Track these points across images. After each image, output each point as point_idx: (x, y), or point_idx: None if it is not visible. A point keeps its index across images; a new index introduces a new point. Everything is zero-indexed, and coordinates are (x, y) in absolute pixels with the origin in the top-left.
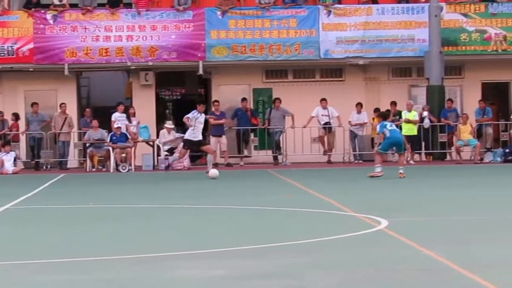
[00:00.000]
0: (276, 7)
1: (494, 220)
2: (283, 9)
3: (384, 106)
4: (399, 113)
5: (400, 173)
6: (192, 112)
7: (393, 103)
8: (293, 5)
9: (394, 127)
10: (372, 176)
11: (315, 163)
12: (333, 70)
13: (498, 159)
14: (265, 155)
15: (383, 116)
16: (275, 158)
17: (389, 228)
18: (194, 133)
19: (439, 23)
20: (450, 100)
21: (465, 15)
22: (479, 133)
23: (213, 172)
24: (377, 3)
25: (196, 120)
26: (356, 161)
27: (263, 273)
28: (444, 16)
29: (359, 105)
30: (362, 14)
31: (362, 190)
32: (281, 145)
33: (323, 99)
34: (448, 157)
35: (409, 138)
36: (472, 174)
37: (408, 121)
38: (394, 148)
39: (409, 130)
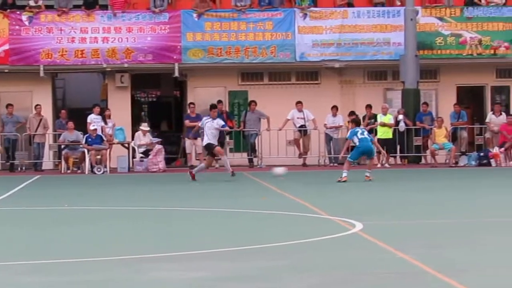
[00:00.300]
0: (252, 10)
1: (469, 224)
2: (259, 11)
3: (360, 109)
4: (374, 117)
5: (366, 175)
6: (205, 118)
7: (369, 106)
8: (269, 7)
9: (365, 135)
10: (339, 181)
11: (290, 166)
12: (308, 73)
13: (473, 162)
14: (241, 158)
15: (355, 122)
16: (251, 160)
17: (364, 231)
18: (209, 139)
19: (414, 26)
20: (425, 103)
21: (440, 19)
22: (454, 137)
23: (279, 169)
24: (353, 6)
25: (206, 126)
26: (331, 164)
27: (240, 276)
28: (420, 20)
29: (335, 108)
30: (338, 17)
31: (337, 193)
32: (256, 148)
33: (299, 102)
34: (423, 161)
35: (384, 141)
36: (447, 178)
37: (383, 125)
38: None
39: (384, 133)
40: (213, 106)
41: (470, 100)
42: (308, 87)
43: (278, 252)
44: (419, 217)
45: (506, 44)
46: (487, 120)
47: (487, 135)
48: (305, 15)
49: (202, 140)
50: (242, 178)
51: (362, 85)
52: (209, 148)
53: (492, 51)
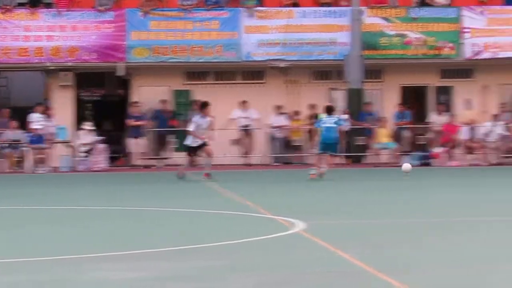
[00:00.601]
0: (198, 9)
1: (411, 224)
2: (205, 11)
3: (305, 109)
4: (317, 116)
5: (312, 174)
6: (195, 118)
7: (313, 106)
8: (215, 7)
9: (330, 124)
10: (311, 178)
11: (234, 165)
12: (254, 73)
13: (415, 162)
14: (184, 157)
15: (327, 109)
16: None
17: (306, 230)
18: (194, 139)
19: (360, 27)
20: (369, 103)
21: (386, 19)
22: (397, 137)
23: (406, 166)
24: (299, 6)
25: (197, 125)
26: (275, 164)
27: (179, 276)
28: (365, 20)
29: (279, 107)
30: (283, 17)
31: (280, 193)
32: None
33: (244, 101)
34: (366, 160)
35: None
36: (389, 178)
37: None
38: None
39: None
40: (204, 104)
41: (414, 100)
42: (253, 87)
43: (219, 251)
44: (361, 217)
45: (450, 44)
46: (430, 120)
47: (430, 135)
48: (251, 15)
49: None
50: (186, 178)
51: (307, 84)
52: (195, 148)
53: (436, 52)
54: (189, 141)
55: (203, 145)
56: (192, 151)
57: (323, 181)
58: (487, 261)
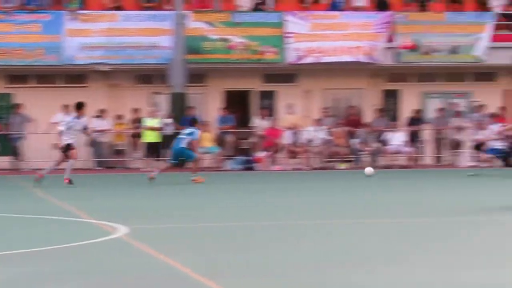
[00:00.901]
0: (20, 12)
1: (236, 227)
2: (26, 13)
3: (128, 113)
4: (140, 120)
5: (193, 179)
6: (71, 117)
7: (137, 110)
8: (37, 9)
9: (182, 135)
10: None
11: (55, 170)
12: (76, 76)
13: (239, 166)
14: (5, 161)
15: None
16: (15, 164)
17: (129, 235)
18: (70, 139)
19: (183, 31)
20: (193, 107)
21: (209, 23)
22: (220, 141)
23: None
24: (122, 9)
25: (70, 126)
26: (97, 168)
27: None
28: (189, 24)
29: (102, 111)
30: (106, 20)
31: (102, 197)
32: (19, 151)
33: (66, 105)
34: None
35: (152, 145)
36: (212, 182)
37: (150, 128)
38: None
39: (152, 137)
40: (80, 105)
41: (237, 105)
42: (76, 90)
43: (36, 258)
44: (188, 221)
45: (273, 49)
46: (253, 125)
47: (253, 139)
48: (73, 18)
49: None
50: (5, 181)
51: (131, 88)
52: (67, 148)
53: (259, 56)
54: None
55: (68, 147)
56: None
57: (146, 186)
58: (313, 264)
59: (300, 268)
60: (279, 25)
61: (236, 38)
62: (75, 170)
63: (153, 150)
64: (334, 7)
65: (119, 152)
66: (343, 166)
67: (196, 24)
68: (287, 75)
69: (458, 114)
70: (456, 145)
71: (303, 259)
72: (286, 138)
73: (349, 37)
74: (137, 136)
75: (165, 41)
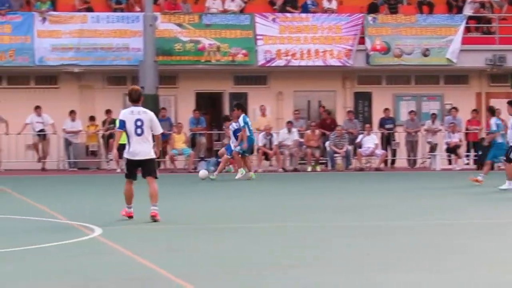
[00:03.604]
0: None
1: (207, 228)
2: None
3: (99, 114)
4: (114, 121)
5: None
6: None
7: (108, 111)
8: (8, 11)
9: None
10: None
11: (29, 170)
12: (47, 77)
13: (212, 168)
14: None
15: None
16: None
17: (103, 236)
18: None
19: (153, 32)
20: (164, 109)
21: (179, 25)
22: (192, 142)
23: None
24: (92, 11)
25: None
26: (71, 169)
27: None
28: (159, 26)
29: (73, 112)
30: (77, 22)
31: (77, 198)
32: None
33: (38, 107)
34: (162, 166)
35: (124, 146)
36: (184, 183)
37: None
38: None
39: (124, 138)
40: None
41: (209, 106)
42: (47, 91)
43: (8, 257)
44: (158, 223)
45: (243, 51)
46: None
47: (226, 140)
48: (44, 19)
49: None
50: None
51: (102, 90)
52: None
53: (230, 58)
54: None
55: None
56: None
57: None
58: (265, 265)
59: None
60: (249, 27)
61: (206, 40)
62: (49, 171)
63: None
64: (304, 9)
65: (92, 153)
66: (318, 168)
67: (166, 25)
68: (258, 77)
69: (432, 116)
70: (430, 148)
71: None
72: (259, 140)
73: (319, 40)
74: (109, 137)
75: (135, 42)
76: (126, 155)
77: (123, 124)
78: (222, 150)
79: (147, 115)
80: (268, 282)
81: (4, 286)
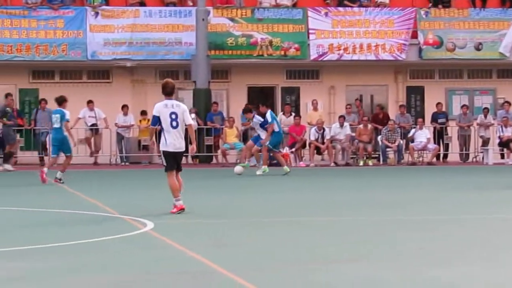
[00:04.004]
0: (43, 7)
1: (258, 222)
2: (50, 9)
3: (151, 109)
4: None
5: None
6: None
7: None
8: (60, 5)
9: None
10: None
11: (81, 165)
12: (100, 72)
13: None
14: (31, 156)
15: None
16: (41, 159)
17: (155, 230)
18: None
19: (206, 27)
20: (216, 103)
21: (231, 19)
22: (245, 137)
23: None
24: (145, 5)
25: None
26: (123, 163)
27: (21, 276)
28: (211, 20)
29: (126, 107)
30: (129, 16)
31: (129, 192)
32: (47, 146)
33: (90, 101)
34: (214, 160)
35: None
36: (237, 177)
37: None
38: None
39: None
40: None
41: (261, 101)
42: (99, 86)
43: (65, 252)
44: (210, 217)
45: (296, 45)
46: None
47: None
48: (96, 14)
49: None
50: (32, 177)
51: (154, 84)
52: None
53: (282, 53)
54: None
55: None
56: None
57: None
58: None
59: None
60: (301, 21)
61: (259, 34)
62: (101, 165)
63: None
64: (359, 3)
65: (144, 148)
66: (370, 162)
67: (218, 20)
68: (311, 71)
69: (485, 110)
70: (483, 142)
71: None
72: (310, 135)
73: (372, 34)
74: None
75: (188, 37)
76: (164, 147)
77: (157, 120)
78: (250, 142)
79: (180, 108)
80: (321, 277)
81: (60, 280)
